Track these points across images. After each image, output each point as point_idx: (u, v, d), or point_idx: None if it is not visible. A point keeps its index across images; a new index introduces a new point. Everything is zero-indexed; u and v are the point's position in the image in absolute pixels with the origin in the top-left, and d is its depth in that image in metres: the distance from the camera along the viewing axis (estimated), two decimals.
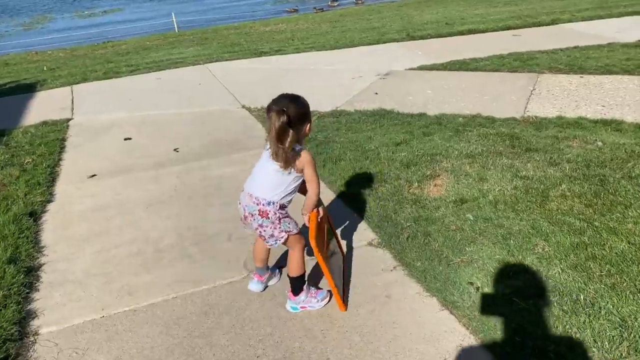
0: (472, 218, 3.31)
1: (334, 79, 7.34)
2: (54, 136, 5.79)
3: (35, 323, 2.75)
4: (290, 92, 2.57)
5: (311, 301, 2.77)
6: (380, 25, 12.93)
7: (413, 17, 14.38)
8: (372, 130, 5.16)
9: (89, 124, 6.32)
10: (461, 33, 9.55)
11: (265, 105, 2.50)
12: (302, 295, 2.75)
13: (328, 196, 3.85)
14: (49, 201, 4.22)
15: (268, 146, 2.55)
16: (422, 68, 7.46)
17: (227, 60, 9.24)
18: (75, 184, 4.55)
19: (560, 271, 2.77)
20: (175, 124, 6.04)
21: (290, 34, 13.04)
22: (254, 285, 2.92)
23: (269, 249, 2.84)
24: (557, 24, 9.74)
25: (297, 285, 2.75)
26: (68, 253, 3.44)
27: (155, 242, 3.48)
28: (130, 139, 5.67)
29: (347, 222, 3.49)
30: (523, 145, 4.44)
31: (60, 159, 5.15)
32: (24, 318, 2.79)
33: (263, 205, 2.55)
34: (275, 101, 2.46)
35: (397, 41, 9.47)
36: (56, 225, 3.83)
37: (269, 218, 2.57)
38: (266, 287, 2.95)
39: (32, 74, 10.26)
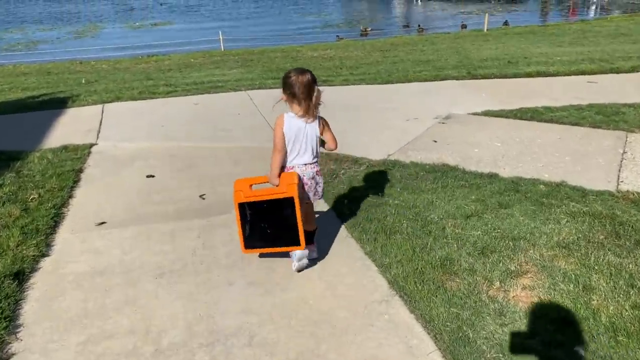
0: (582, 353, 2.42)
1: (385, 120, 6.55)
2: (71, 166, 5.16)
3: None
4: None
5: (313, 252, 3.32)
6: (435, 59, 12.11)
7: (470, 51, 13.50)
8: (433, 192, 4.32)
9: (112, 152, 5.69)
10: (528, 75, 8.63)
11: None
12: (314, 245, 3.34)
13: (381, 286, 3.02)
14: (44, 255, 3.53)
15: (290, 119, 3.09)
16: (487, 114, 6.58)
17: (269, 87, 8.58)
18: (79, 233, 3.86)
19: None
20: (206, 161, 5.34)
21: (339, 62, 12.36)
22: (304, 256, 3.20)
23: None
24: (638, 71, 8.72)
25: (313, 236, 3.35)
26: (48, 340, 2.71)
27: (157, 337, 2.70)
28: (153, 176, 4.98)
29: (406, 335, 2.64)
30: (630, 234, 3.51)
31: (70, 197, 4.49)
32: None
33: (318, 167, 3.22)
34: (292, 70, 3.11)
35: (457, 79, 8.62)
36: (44, 293, 3.11)
37: (320, 176, 3.24)
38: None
39: (69, 87, 9.85)
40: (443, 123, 6.31)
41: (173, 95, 8.28)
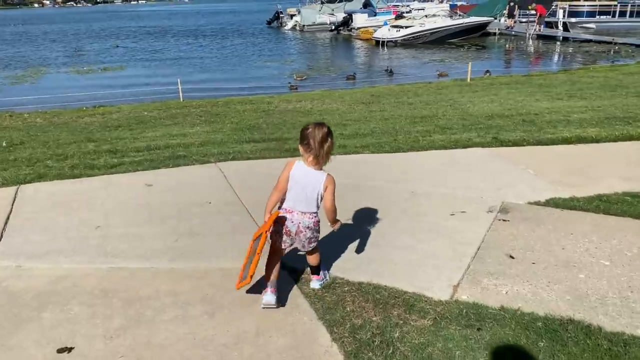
0: None
1: (420, 214, 4.67)
2: None
3: None
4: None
5: (325, 274, 3.57)
6: (431, 115, 10.49)
7: (465, 105, 12.00)
8: None
9: (10, 285, 3.55)
10: (566, 140, 7.02)
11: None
12: (321, 274, 3.50)
13: None
14: None
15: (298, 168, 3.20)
16: (556, 204, 4.81)
17: (247, 157, 6.61)
18: None
19: None
20: (162, 307, 3.27)
21: (320, 117, 10.57)
22: (270, 297, 3.21)
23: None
24: None
25: (318, 270, 3.49)
26: None
27: None
28: (70, 349, 2.87)
29: None
30: None
31: None
32: None
33: (313, 217, 3.25)
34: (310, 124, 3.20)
35: (483, 146, 6.90)
36: None
37: (316, 227, 3.30)
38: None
39: None
40: (505, 220, 4.47)
41: (118, 171, 6.18)
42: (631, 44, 27.90)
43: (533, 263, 3.74)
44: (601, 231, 4.23)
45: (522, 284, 3.46)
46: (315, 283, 3.49)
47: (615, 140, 7.09)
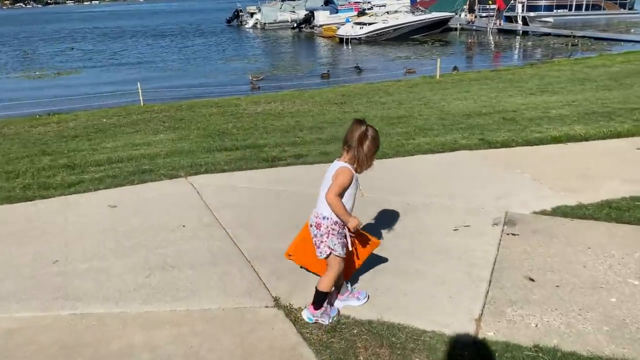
0: None
1: (422, 229, 4.24)
2: None
3: None
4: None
5: (324, 317, 3.00)
6: (407, 115, 10.14)
7: (439, 103, 11.71)
8: None
9: None
10: (556, 140, 6.73)
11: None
12: (320, 311, 2.98)
13: None
14: None
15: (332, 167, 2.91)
16: (563, 212, 4.46)
17: (222, 169, 6.05)
18: None
19: None
20: None
21: (293, 121, 10.06)
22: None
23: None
24: None
25: (320, 300, 2.97)
26: None
27: None
28: None
29: None
30: None
31: None
32: None
33: (319, 218, 2.91)
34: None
35: (470, 148, 6.53)
36: None
37: (320, 230, 2.90)
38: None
39: None
40: (514, 235, 4.08)
41: (77, 190, 5.53)
42: (590, 37, 28.38)
43: (557, 286, 3.35)
44: (619, 243, 3.89)
45: (551, 313, 3.06)
46: (306, 313, 3.05)
47: (604, 138, 6.84)
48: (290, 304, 3.22)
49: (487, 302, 3.19)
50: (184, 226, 4.46)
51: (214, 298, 3.33)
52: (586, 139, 6.82)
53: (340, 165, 2.86)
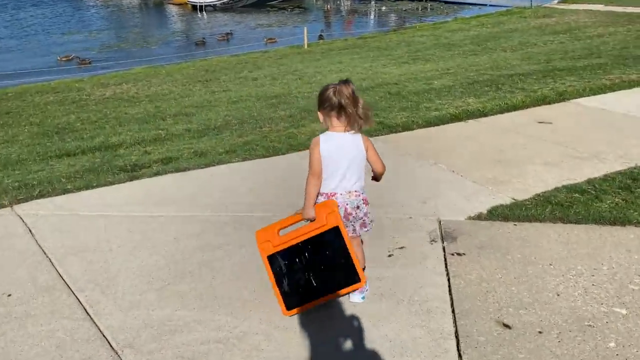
0: None
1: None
2: None
3: None
4: None
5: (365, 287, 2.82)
6: (284, 92, 9.14)
7: (314, 76, 10.86)
8: None
9: None
10: (455, 117, 6.16)
11: None
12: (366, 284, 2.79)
13: None
14: None
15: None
16: (500, 215, 3.77)
17: (64, 189, 4.50)
18: None
19: None
20: None
21: (153, 107, 8.52)
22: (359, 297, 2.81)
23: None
24: (567, 99, 6.86)
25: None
26: None
27: None
28: None
29: None
30: None
31: None
32: None
33: (362, 194, 2.73)
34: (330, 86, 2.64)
35: (370, 134, 5.64)
36: None
37: (367, 206, 2.76)
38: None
39: None
40: (459, 255, 3.30)
41: None
42: (441, 1, 29.41)
43: (540, 332, 2.61)
44: (579, 253, 3.28)
45: None
46: (356, 296, 2.81)
47: (501, 112, 6.43)
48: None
49: None
50: (9, 296, 3.03)
51: None
52: (485, 114, 6.35)
53: (359, 135, 2.67)
